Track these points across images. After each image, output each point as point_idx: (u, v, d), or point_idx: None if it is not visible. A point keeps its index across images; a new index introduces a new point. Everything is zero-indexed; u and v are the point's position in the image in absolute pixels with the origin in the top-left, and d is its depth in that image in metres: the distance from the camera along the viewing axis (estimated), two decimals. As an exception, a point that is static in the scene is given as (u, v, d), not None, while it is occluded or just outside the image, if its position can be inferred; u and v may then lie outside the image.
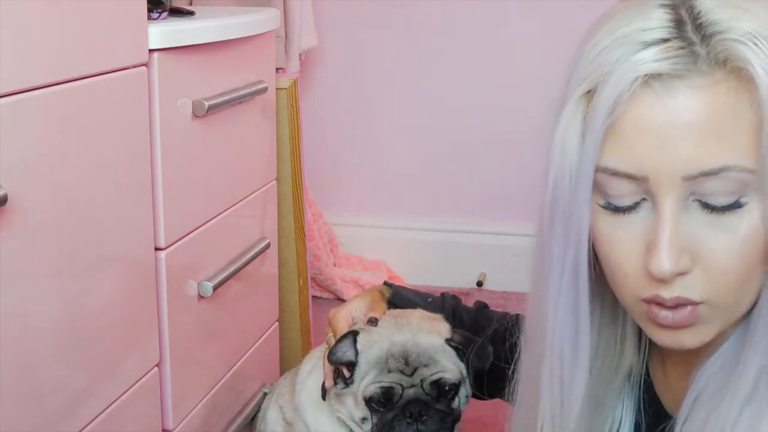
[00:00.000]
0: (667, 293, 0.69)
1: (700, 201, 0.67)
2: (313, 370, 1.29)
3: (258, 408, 1.53)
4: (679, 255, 0.67)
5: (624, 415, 0.86)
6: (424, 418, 1.11)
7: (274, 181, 1.63)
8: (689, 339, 0.71)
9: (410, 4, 2.47)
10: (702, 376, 0.75)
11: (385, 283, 1.31)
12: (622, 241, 0.71)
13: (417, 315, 1.20)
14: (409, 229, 2.58)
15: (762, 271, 0.69)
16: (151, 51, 1.15)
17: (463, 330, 1.20)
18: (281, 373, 1.69)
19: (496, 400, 1.70)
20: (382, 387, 1.12)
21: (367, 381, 1.13)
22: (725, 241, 0.67)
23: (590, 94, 0.71)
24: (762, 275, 0.69)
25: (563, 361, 0.77)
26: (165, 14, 1.26)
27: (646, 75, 0.66)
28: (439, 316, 1.21)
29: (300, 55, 2.31)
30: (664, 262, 0.66)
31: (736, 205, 0.67)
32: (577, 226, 0.71)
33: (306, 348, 1.82)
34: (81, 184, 1.02)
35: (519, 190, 2.50)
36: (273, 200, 1.63)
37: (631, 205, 0.70)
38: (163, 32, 1.16)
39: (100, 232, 1.07)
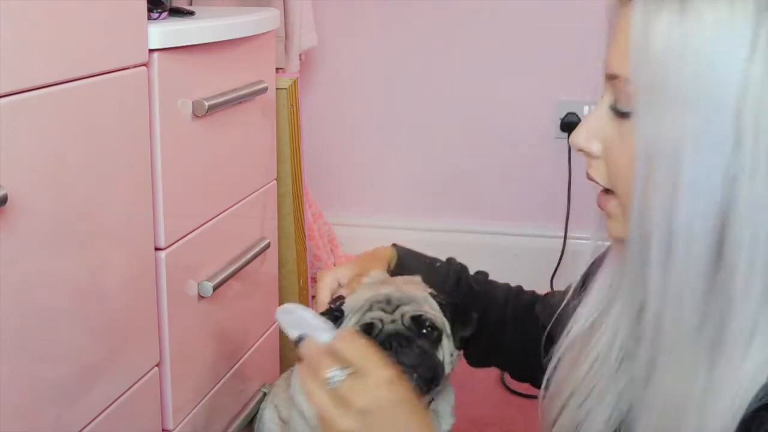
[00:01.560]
0: (587, 168, 0.84)
1: (613, 106, 0.81)
2: None
3: (257, 408, 1.54)
4: (590, 138, 0.82)
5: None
6: (404, 349, 1.08)
7: (274, 181, 1.63)
8: (610, 226, 0.85)
9: (410, 4, 2.47)
10: None
11: (394, 245, 1.28)
12: None
13: (400, 279, 1.19)
14: (409, 229, 2.58)
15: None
16: (151, 51, 1.15)
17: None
18: (281, 373, 1.69)
19: (497, 401, 1.70)
20: (363, 324, 1.10)
21: (349, 324, 1.11)
22: (620, 143, 0.80)
23: None
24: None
25: None
26: (165, 14, 1.26)
27: None
28: (419, 280, 1.19)
29: (300, 55, 2.31)
30: (574, 135, 0.84)
31: (628, 114, 0.78)
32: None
33: (306, 348, 1.82)
34: (81, 184, 1.02)
35: (519, 190, 2.51)
36: (273, 200, 1.63)
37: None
38: (163, 32, 1.16)
39: (100, 232, 1.07)
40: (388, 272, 1.21)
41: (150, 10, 1.19)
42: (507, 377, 1.99)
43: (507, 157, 2.49)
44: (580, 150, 0.83)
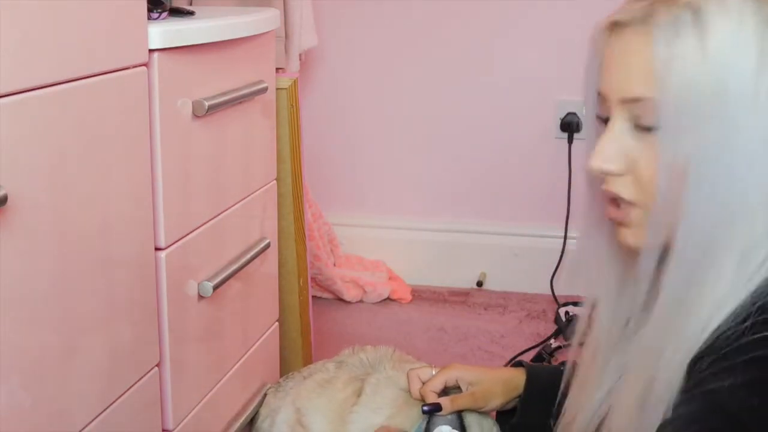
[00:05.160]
0: (606, 186, 0.90)
1: (634, 122, 0.86)
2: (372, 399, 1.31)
3: (258, 407, 1.54)
4: (612, 158, 0.88)
5: None
6: None
7: (274, 181, 1.63)
8: (629, 236, 0.91)
9: (410, 4, 2.47)
10: None
11: (520, 364, 1.29)
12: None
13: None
14: (409, 229, 2.58)
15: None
16: (151, 51, 1.15)
17: None
18: (281, 373, 1.69)
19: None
20: None
21: None
22: (649, 156, 0.86)
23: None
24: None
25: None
26: (165, 14, 1.26)
27: (612, 22, 0.88)
28: None
29: (300, 55, 2.31)
30: (594, 160, 0.89)
31: (654, 129, 0.84)
32: (591, 138, 0.94)
33: (306, 348, 1.82)
34: (81, 184, 1.02)
35: (519, 190, 2.51)
36: (273, 200, 1.63)
37: (606, 118, 0.90)
38: (163, 32, 1.16)
39: (100, 232, 1.07)
40: (518, 398, 1.25)
41: (150, 10, 1.19)
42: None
43: (507, 157, 2.49)
44: (605, 173, 0.89)
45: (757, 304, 0.79)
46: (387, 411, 1.27)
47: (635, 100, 0.85)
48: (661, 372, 0.83)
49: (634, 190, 0.88)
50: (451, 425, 1.20)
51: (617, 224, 0.92)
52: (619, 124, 0.87)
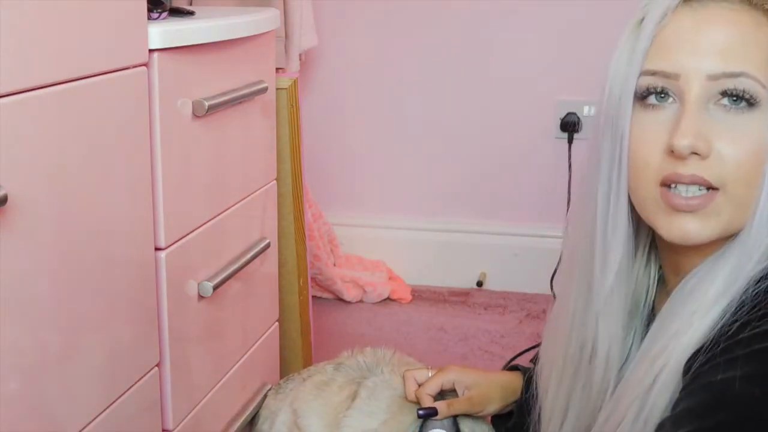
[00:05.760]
0: (685, 170, 0.82)
1: (719, 103, 0.82)
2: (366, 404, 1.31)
3: (258, 408, 1.54)
4: (697, 136, 0.81)
5: (634, 341, 0.96)
6: None
7: (274, 181, 1.63)
8: (695, 228, 0.83)
9: (410, 4, 2.47)
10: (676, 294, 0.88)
11: (516, 368, 1.29)
12: (649, 133, 0.85)
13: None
14: (409, 229, 2.58)
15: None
16: (151, 51, 1.15)
17: None
18: (281, 373, 1.69)
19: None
20: None
21: None
22: (737, 137, 0.81)
23: (641, 21, 0.86)
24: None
25: (606, 233, 0.90)
26: (165, 14, 1.26)
27: None
28: None
29: (300, 55, 2.31)
30: (685, 137, 0.81)
31: (748, 107, 0.81)
32: (622, 125, 0.86)
33: (306, 348, 1.82)
34: (81, 184, 1.02)
35: (519, 191, 2.51)
36: (273, 200, 1.63)
37: (663, 96, 0.84)
38: (163, 32, 1.16)
39: (100, 232, 1.07)
40: (515, 402, 1.25)
41: (150, 10, 1.19)
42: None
43: (507, 157, 2.49)
44: (687, 149, 0.81)
45: (756, 299, 0.78)
46: (382, 415, 1.26)
47: (732, 75, 0.81)
48: (660, 375, 0.82)
49: (718, 171, 0.82)
50: (446, 430, 1.19)
51: (675, 213, 0.84)
52: (702, 101, 0.82)
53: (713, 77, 0.82)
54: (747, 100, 0.81)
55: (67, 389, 1.03)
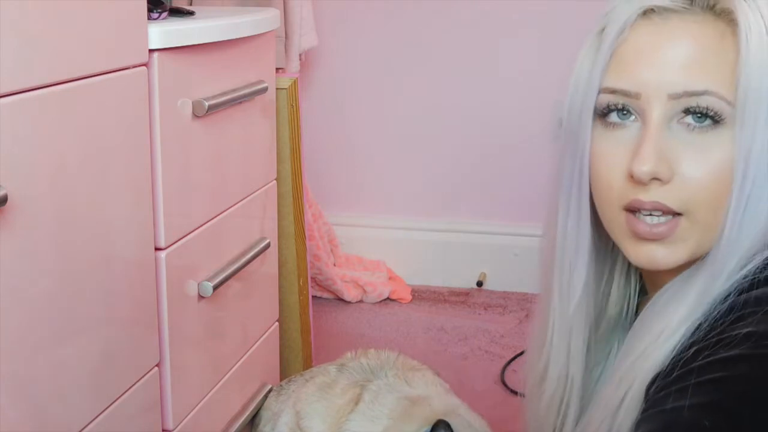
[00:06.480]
0: (647, 197, 0.78)
1: (682, 122, 0.78)
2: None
3: (258, 408, 1.54)
4: (658, 161, 0.77)
5: (619, 349, 0.94)
6: None
7: (274, 181, 1.63)
8: (662, 255, 0.81)
9: (410, 4, 2.47)
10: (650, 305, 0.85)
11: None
12: (611, 155, 0.81)
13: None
14: (409, 229, 2.58)
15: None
16: (151, 51, 1.15)
17: None
18: (281, 373, 1.69)
19: (497, 401, 1.69)
20: None
21: None
22: (701, 159, 0.78)
23: (602, 32, 0.83)
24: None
25: (568, 252, 0.88)
26: (165, 14, 1.26)
27: (647, 7, 0.79)
28: None
29: (300, 55, 2.31)
30: (645, 163, 0.77)
31: (712, 124, 0.77)
32: (582, 143, 0.83)
33: (306, 348, 1.82)
34: (81, 184, 1.02)
35: (519, 191, 2.51)
36: (273, 200, 1.63)
37: (625, 113, 0.81)
38: (163, 32, 1.16)
39: (100, 232, 1.07)
40: None
41: (150, 10, 1.19)
42: (507, 377, 1.99)
43: (507, 157, 2.49)
44: (647, 175, 0.77)
45: (714, 321, 0.76)
46: (384, 420, 1.26)
47: (695, 94, 0.77)
48: (626, 397, 0.81)
49: (680, 196, 0.78)
50: None
51: (640, 240, 0.81)
52: (664, 122, 0.78)
53: (675, 96, 0.78)
54: (711, 118, 0.77)
55: (67, 389, 1.03)
